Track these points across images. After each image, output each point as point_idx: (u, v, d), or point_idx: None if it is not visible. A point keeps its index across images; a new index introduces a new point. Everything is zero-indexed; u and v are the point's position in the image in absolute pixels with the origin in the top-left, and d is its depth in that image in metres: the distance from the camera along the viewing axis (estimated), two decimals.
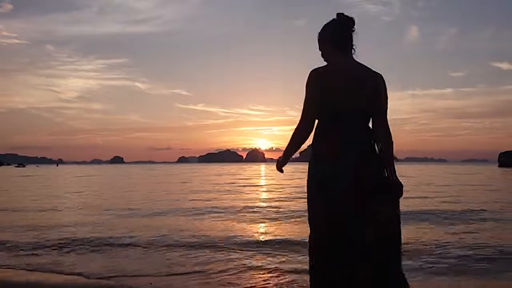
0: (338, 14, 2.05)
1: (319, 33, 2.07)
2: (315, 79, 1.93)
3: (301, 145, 2.03)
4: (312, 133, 1.98)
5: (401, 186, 1.90)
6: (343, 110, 1.90)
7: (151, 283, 3.07)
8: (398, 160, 2.07)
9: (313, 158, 1.95)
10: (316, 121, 1.97)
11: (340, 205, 1.82)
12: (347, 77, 1.92)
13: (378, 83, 1.96)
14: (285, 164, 2.12)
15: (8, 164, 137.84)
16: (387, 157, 1.94)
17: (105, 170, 55.05)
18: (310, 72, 1.96)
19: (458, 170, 38.12)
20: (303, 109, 1.96)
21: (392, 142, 1.97)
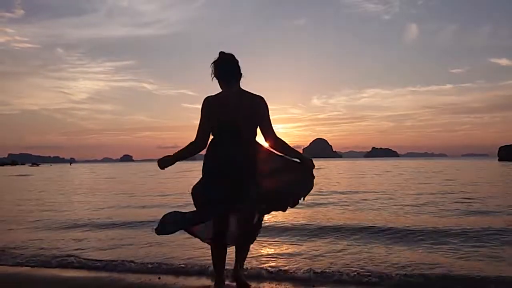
0: (219, 53, 2.56)
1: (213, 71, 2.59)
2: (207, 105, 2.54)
3: None
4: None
5: None
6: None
7: (159, 278, 3.10)
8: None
9: None
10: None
11: None
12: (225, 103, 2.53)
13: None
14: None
15: (22, 164, 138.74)
16: None
17: (117, 168, 55.13)
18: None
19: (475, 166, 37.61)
20: None
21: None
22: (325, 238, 4.45)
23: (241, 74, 2.58)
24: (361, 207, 7.14)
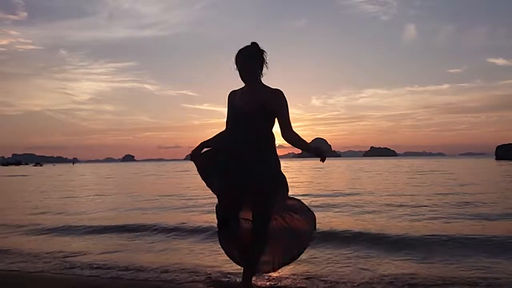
0: (252, 43, 2.50)
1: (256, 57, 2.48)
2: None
3: None
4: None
5: None
6: None
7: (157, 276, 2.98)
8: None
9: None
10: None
11: None
12: None
13: None
14: None
15: (26, 164, 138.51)
16: None
17: (118, 168, 54.97)
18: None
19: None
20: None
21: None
22: (324, 244, 4.11)
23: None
24: (362, 211, 6.83)
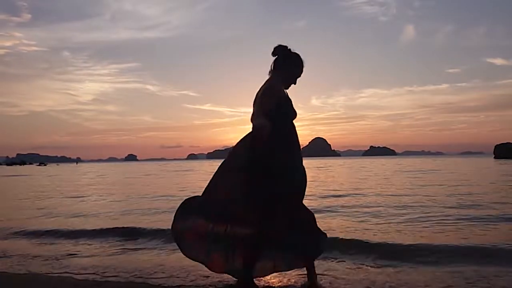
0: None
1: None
2: None
3: None
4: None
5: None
6: None
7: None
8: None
9: None
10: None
11: None
12: None
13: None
14: None
15: (30, 163, 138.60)
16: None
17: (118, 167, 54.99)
18: None
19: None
20: None
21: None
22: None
23: (272, 67, 2.62)
24: (361, 212, 6.59)
